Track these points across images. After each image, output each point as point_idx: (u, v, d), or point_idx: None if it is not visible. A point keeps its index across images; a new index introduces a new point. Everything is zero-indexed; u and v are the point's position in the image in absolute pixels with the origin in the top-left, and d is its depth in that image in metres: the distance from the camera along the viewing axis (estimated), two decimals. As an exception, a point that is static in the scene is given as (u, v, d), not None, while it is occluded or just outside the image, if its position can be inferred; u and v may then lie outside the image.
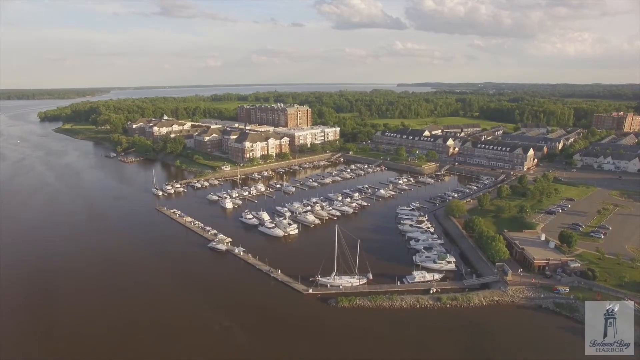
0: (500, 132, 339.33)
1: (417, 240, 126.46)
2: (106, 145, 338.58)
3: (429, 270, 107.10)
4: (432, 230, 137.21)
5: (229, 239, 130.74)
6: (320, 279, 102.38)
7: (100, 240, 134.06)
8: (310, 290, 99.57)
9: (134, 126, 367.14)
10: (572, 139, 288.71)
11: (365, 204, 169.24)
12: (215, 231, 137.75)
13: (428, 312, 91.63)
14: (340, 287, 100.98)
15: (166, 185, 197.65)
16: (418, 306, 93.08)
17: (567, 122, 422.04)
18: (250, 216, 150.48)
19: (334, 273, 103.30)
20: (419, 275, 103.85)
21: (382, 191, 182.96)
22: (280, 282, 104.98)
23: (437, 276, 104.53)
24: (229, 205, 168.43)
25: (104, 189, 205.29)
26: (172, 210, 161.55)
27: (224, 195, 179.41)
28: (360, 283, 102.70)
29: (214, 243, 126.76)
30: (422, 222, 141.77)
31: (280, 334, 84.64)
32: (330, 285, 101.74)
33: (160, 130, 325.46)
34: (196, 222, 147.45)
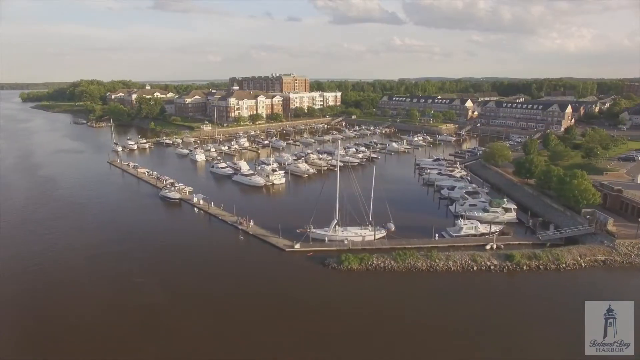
0: (521, 100, 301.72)
1: (452, 189, 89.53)
2: (81, 116, 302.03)
3: (480, 221, 70.30)
4: (468, 178, 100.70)
5: (189, 188, 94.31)
6: (314, 230, 65.62)
7: (32, 196, 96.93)
8: (297, 247, 62.80)
9: (113, 96, 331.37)
10: (608, 104, 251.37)
11: (374, 156, 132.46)
12: (172, 180, 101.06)
13: (494, 278, 54.87)
14: (346, 241, 64.27)
15: (128, 140, 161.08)
16: (475, 268, 56.22)
17: (587, 96, 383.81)
18: (223, 165, 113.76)
19: (335, 221, 66.48)
20: (467, 226, 67.09)
21: (394, 144, 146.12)
22: (252, 236, 68.35)
23: (495, 228, 67.64)
24: (200, 157, 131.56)
25: (55, 146, 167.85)
26: (125, 163, 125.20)
27: (196, 147, 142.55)
28: (377, 237, 65.97)
29: (165, 191, 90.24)
30: (453, 169, 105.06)
31: (243, 310, 47.96)
32: (329, 240, 65.05)
33: (140, 99, 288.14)
34: (152, 173, 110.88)
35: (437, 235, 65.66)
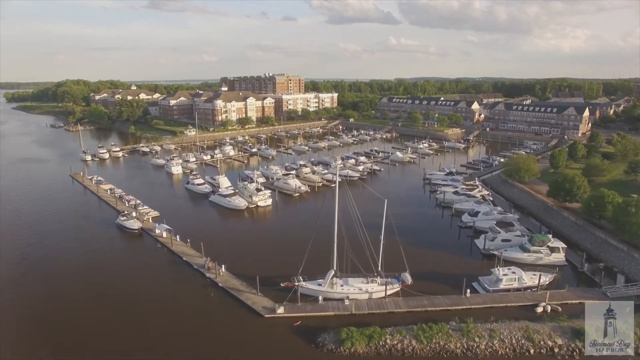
0: (528, 102, 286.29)
1: (475, 214, 72.95)
2: (62, 118, 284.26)
3: (523, 266, 53.69)
4: (491, 199, 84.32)
5: (155, 213, 77.53)
6: (303, 285, 48.84)
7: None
8: (280, 311, 45.92)
9: (97, 97, 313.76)
10: (623, 106, 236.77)
11: (377, 168, 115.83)
12: (137, 202, 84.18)
13: (561, 368, 38.35)
14: (347, 300, 47.51)
15: (99, 148, 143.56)
16: (532, 352, 39.47)
17: (596, 98, 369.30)
18: (200, 181, 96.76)
19: (332, 272, 49.57)
20: (507, 277, 50.43)
21: (399, 154, 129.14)
22: (222, 289, 51.41)
23: (545, 278, 51.01)
24: (175, 170, 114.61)
25: (18, 153, 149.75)
26: (89, 177, 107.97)
27: (173, 157, 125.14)
28: (389, 292, 49.14)
29: (123, 219, 72.96)
30: (473, 187, 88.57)
31: None
32: (325, 299, 48.27)
33: (121, 101, 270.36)
34: (115, 191, 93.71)
35: (467, 290, 48.99)
